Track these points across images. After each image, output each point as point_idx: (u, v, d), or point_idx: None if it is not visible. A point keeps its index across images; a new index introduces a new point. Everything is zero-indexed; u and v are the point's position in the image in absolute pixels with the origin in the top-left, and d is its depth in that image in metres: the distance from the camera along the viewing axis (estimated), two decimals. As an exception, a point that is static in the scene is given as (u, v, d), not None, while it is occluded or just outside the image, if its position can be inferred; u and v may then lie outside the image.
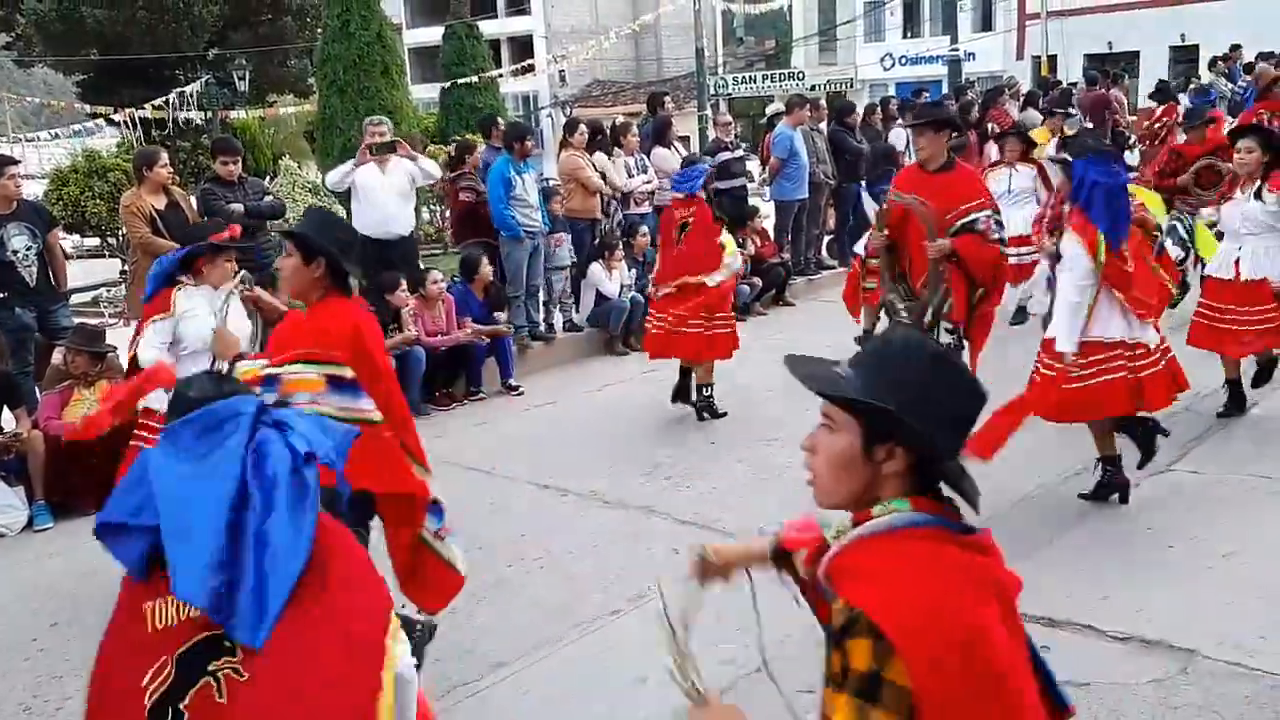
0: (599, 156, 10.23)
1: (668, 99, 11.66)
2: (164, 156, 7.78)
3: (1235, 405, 6.68)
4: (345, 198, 9.45)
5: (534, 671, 4.39)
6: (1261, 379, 6.74)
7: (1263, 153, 6.30)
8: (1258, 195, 6.34)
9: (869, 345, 1.98)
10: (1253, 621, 4.23)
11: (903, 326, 5.82)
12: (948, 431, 1.84)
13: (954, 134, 6.14)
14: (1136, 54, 32.29)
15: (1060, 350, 5.20)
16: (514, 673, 4.40)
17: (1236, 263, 6.45)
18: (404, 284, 8.17)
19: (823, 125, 12.24)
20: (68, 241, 13.37)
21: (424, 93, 29.49)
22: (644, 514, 5.90)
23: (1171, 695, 3.84)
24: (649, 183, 10.47)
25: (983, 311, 6.17)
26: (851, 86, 39.34)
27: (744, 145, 18.83)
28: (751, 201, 11.70)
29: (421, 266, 8.99)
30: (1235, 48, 19.52)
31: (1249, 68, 18.63)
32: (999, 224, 5.97)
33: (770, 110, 14.40)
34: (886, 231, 6.06)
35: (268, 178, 18.21)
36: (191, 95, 23.79)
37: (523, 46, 44.26)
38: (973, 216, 5.83)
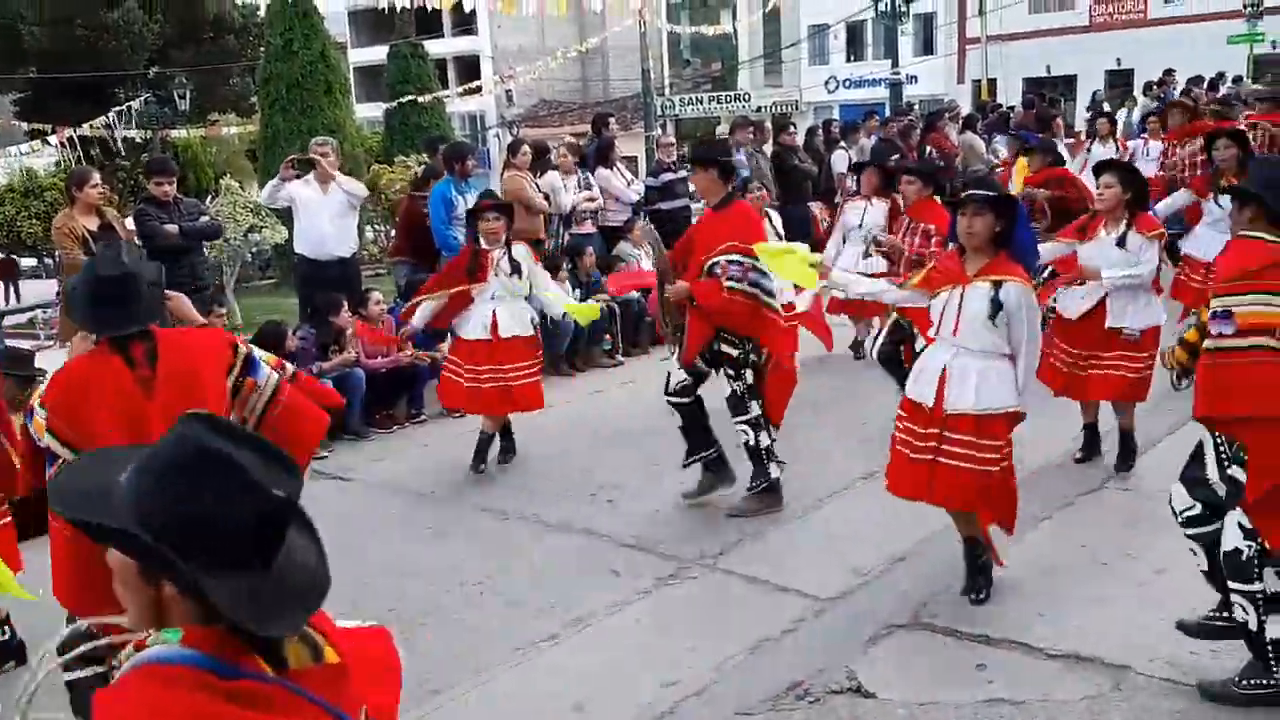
0: (551, 176, 10.22)
1: (612, 120, 11.69)
2: (96, 177, 7.65)
3: (1124, 457, 6.22)
4: (289, 217, 9.37)
5: (471, 699, 4.34)
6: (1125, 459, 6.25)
7: (1123, 189, 5.77)
8: (1121, 241, 5.78)
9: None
10: (1184, 638, 4.29)
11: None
12: (214, 551, 1.49)
13: (727, 174, 5.84)
14: (1074, 78, 32.98)
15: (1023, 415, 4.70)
16: (451, 699, 4.34)
17: (1102, 303, 5.91)
18: (346, 305, 8.09)
19: (766, 147, 12.34)
20: None
21: (369, 112, 29.34)
22: (585, 537, 5.87)
23: (1104, 712, 3.88)
24: (592, 200, 10.47)
25: (773, 368, 5.91)
26: (797, 109, 39.73)
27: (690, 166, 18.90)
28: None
29: (363, 287, 8.91)
30: (1169, 73, 19.99)
31: (1185, 93, 19.10)
32: (740, 267, 5.55)
33: (717, 133, 14.50)
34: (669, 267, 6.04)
35: (209, 197, 18.01)
36: (131, 114, 23.48)
37: (469, 66, 44.24)
38: (715, 260, 5.61)
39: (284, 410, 3.63)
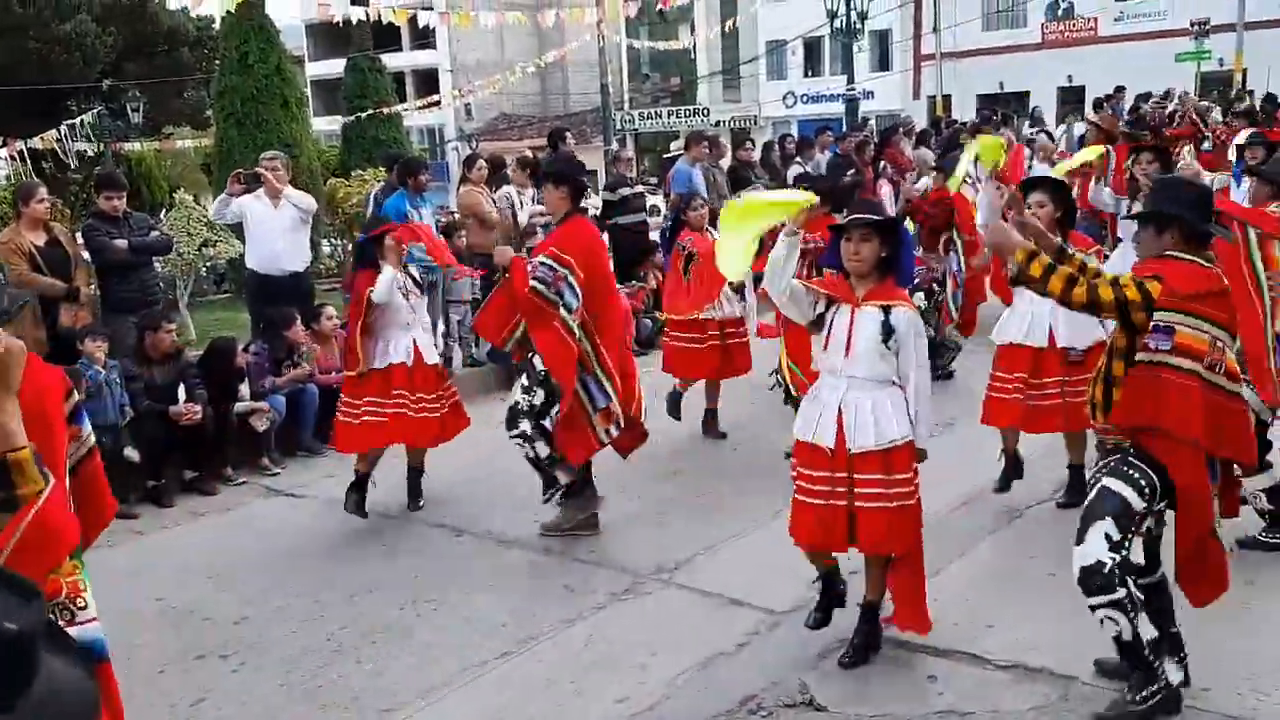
0: (506, 190, 10.20)
1: (569, 134, 11.69)
2: (42, 191, 7.54)
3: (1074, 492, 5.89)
4: (241, 233, 9.29)
5: (424, 717, 4.31)
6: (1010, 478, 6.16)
7: (1055, 208, 5.49)
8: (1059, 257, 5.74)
9: None
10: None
11: None
12: None
13: (578, 193, 5.85)
14: (1026, 94, 33.44)
15: (922, 447, 4.47)
16: (406, 717, 4.31)
17: (1051, 330, 5.73)
18: (299, 320, 8.02)
19: (723, 161, 12.40)
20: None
21: (326, 125, 29.17)
22: (540, 554, 5.85)
23: (1052, 722, 3.91)
24: (544, 214, 10.43)
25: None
26: (755, 123, 39.99)
27: (652, 180, 18.99)
28: (654, 236, 11.78)
29: (316, 303, 8.84)
30: (1119, 89, 20.33)
31: (1133, 109, 19.44)
32: (551, 272, 5.52)
33: (673, 148, 14.57)
34: None
35: (163, 211, 17.78)
36: (84, 127, 23.19)
37: (427, 80, 44.15)
38: (531, 261, 5.76)
39: (96, 468, 3.52)
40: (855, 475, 4.25)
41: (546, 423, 5.74)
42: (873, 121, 25.83)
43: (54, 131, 22.19)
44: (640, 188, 12.29)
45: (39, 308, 7.29)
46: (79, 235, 8.21)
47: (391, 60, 29.78)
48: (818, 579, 4.60)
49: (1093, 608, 3.70)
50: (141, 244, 7.88)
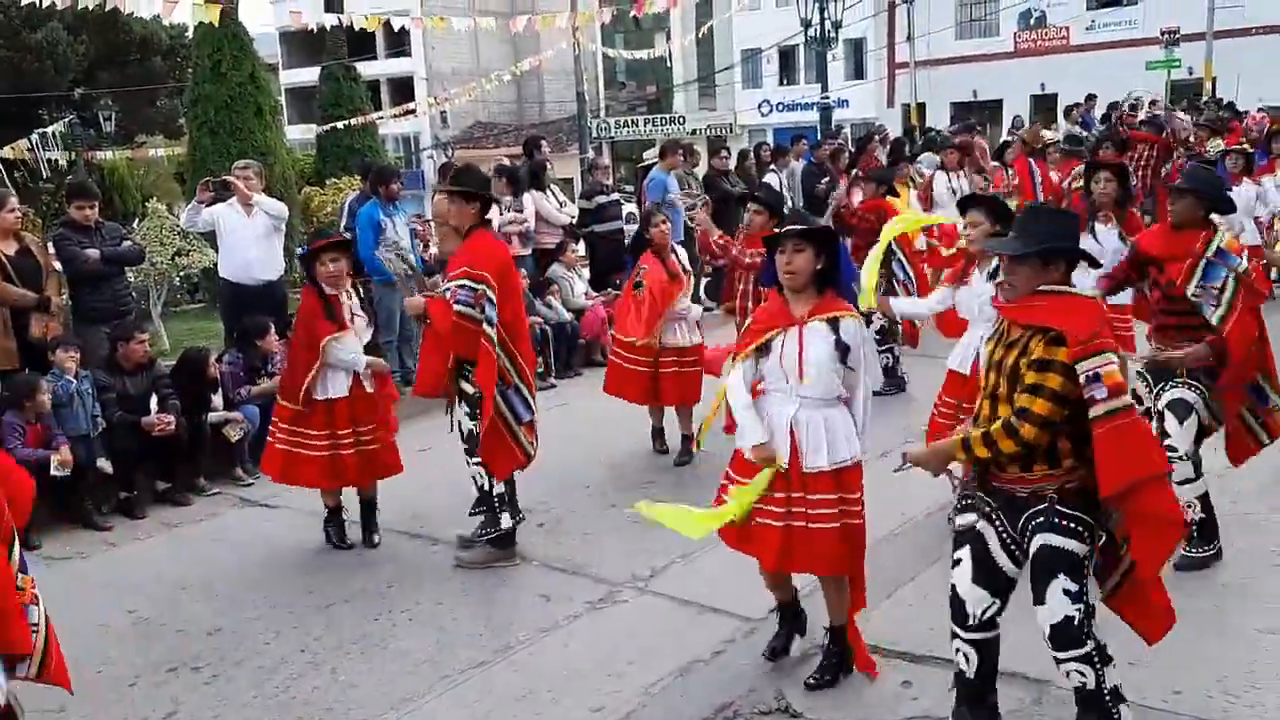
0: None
1: (544, 142, 11.70)
2: (13, 200, 7.46)
3: None
4: (214, 242, 9.24)
5: (398, 727, 4.29)
6: None
7: (992, 224, 5.35)
8: (993, 274, 5.20)
9: None
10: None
11: None
12: None
13: (486, 206, 5.71)
14: (1000, 102, 33.70)
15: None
16: (379, 729, 4.29)
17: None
18: (273, 329, 7.98)
19: (698, 170, 12.44)
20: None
21: (300, 134, 29.07)
22: (516, 562, 5.83)
23: (1026, 726, 3.93)
24: (524, 223, 10.45)
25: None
26: (731, 131, 40.15)
27: (627, 189, 19.01)
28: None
29: (290, 311, 8.80)
30: (1090, 97, 20.51)
31: (1105, 117, 19.60)
32: (470, 292, 5.44)
33: (647, 156, 14.59)
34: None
35: (136, 220, 17.67)
36: (56, 136, 23.01)
37: (402, 88, 44.04)
38: (448, 286, 5.61)
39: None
40: (808, 495, 4.14)
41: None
42: (847, 129, 25.98)
43: (25, 141, 22.02)
44: (616, 195, 12.30)
45: (9, 318, 7.22)
46: (50, 245, 8.13)
47: (366, 68, 29.69)
48: (775, 608, 4.58)
49: (1060, 661, 3.57)
50: (113, 254, 7.81)
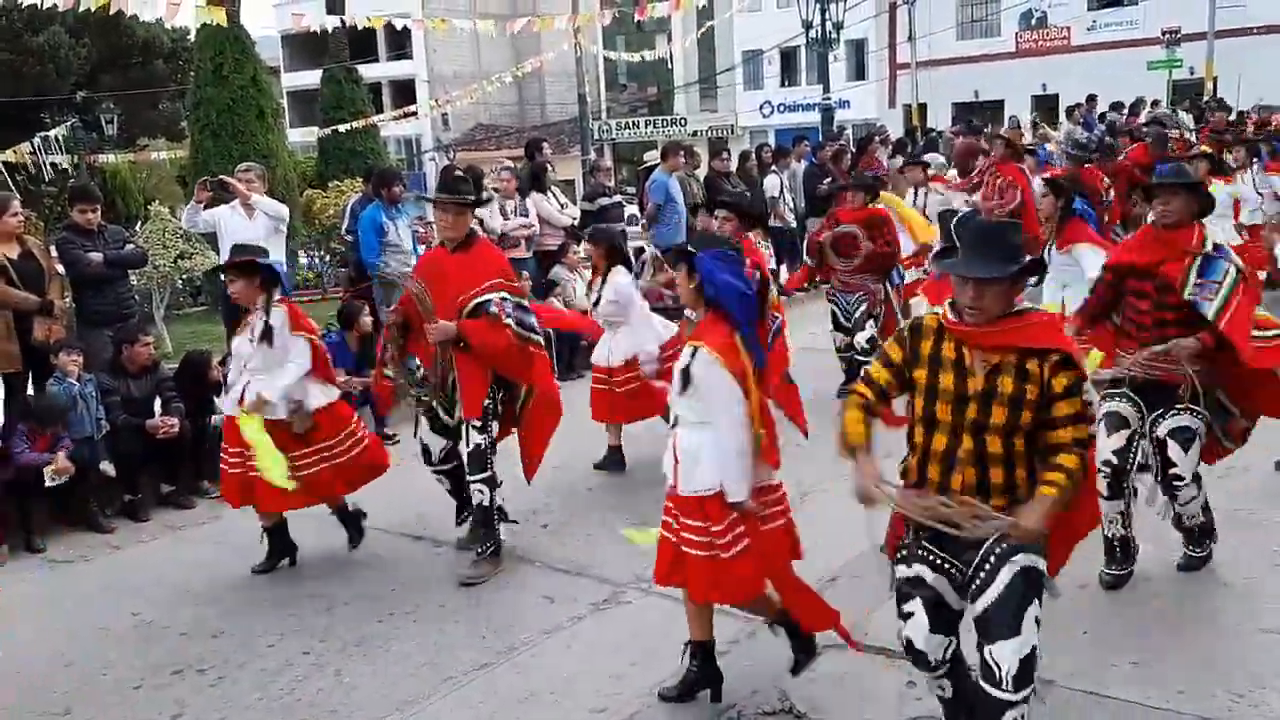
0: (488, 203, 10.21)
1: (545, 144, 11.71)
2: (15, 204, 7.46)
3: None
4: (216, 244, 9.25)
5: (403, 729, 4.30)
6: None
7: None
8: None
9: None
10: (1106, 651, 4.39)
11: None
12: None
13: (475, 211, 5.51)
14: (1001, 103, 33.70)
15: (734, 501, 3.98)
16: (385, 729, 4.31)
17: None
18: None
19: (699, 171, 12.45)
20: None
21: (303, 136, 29.10)
22: (519, 563, 5.84)
23: (1029, 727, 3.93)
24: (529, 227, 10.47)
25: (537, 403, 5.77)
26: (733, 133, 40.17)
27: (629, 191, 19.02)
28: (636, 244, 11.80)
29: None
30: (1091, 98, 20.52)
31: (1102, 116, 19.62)
32: (520, 307, 5.50)
33: (648, 158, 14.58)
34: (398, 311, 5.68)
35: (139, 223, 17.68)
36: (58, 139, 23.05)
37: (404, 90, 44.06)
38: (484, 299, 5.37)
39: None
40: (682, 518, 4.05)
41: (493, 463, 5.60)
42: (849, 130, 25.99)
43: (27, 144, 22.05)
44: (619, 197, 12.30)
45: (12, 321, 7.23)
46: (53, 248, 8.14)
47: (368, 71, 29.73)
48: (770, 622, 4.37)
49: (1016, 703, 3.32)
50: (116, 257, 7.82)
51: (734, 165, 13.43)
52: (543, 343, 5.57)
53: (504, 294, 5.39)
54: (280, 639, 5.09)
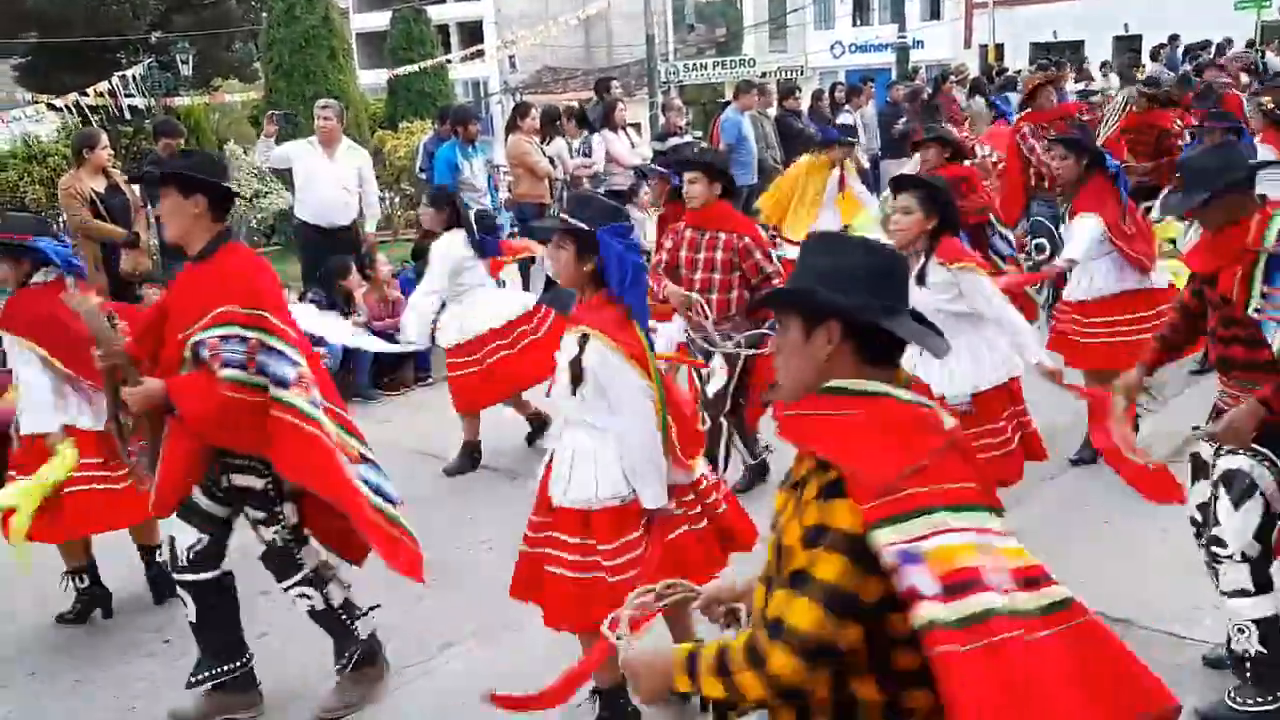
0: (558, 144, 10.21)
1: (615, 83, 11.66)
2: (104, 139, 7.66)
3: None
4: (289, 182, 9.38)
5: (485, 652, 4.42)
6: None
7: (925, 215, 4.48)
8: (919, 279, 4.46)
9: None
10: (1185, 594, 4.33)
11: None
12: None
13: (213, 200, 3.76)
14: (1081, 43, 32.75)
15: (652, 508, 3.45)
16: (466, 650, 4.43)
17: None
18: (355, 269, 8.13)
19: (770, 111, 12.31)
20: None
21: (372, 78, 29.23)
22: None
23: (1107, 665, 3.92)
24: (591, 165, 10.44)
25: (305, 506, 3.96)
26: (802, 74, 39.49)
27: (697, 134, 18.87)
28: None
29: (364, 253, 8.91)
30: (1174, 38, 19.86)
31: (1194, 56, 18.93)
32: (242, 344, 3.56)
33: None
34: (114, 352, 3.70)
35: (213, 164, 17.92)
36: (134, 79, 23.35)
37: (472, 32, 44.00)
38: (199, 337, 3.57)
39: None
40: (556, 534, 3.52)
41: (309, 555, 4.03)
42: (923, 70, 25.47)
43: (105, 84, 22.38)
44: (689, 138, 12.21)
45: (100, 253, 7.42)
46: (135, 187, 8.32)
47: (435, 12, 29.67)
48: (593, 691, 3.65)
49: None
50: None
51: (806, 104, 13.26)
52: (298, 405, 3.61)
53: (220, 327, 3.56)
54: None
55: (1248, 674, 3.45)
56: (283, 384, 3.59)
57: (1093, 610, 4.14)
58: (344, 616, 4.05)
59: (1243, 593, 3.43)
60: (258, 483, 3.82)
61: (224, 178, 3.88)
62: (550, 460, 3.59)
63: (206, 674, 3.94)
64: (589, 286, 3.47)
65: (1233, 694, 3.50)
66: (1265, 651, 3.40)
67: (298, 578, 3.96)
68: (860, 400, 1.96)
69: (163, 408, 3.63)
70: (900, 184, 4.72)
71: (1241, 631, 3.44)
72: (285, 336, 3.63)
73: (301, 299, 8.01)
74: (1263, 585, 3.41)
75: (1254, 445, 3.35)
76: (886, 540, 1.83)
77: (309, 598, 4.00)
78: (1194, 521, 3.74)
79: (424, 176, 10.46)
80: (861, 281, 1.98)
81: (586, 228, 3.42)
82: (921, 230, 4.49)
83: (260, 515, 3.88)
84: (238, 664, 3.99)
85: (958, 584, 1.82)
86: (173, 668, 4.35)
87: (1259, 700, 3.43)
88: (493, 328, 6.17)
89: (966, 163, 7.49)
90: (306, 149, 8.49)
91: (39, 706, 4.33)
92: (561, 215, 3.52)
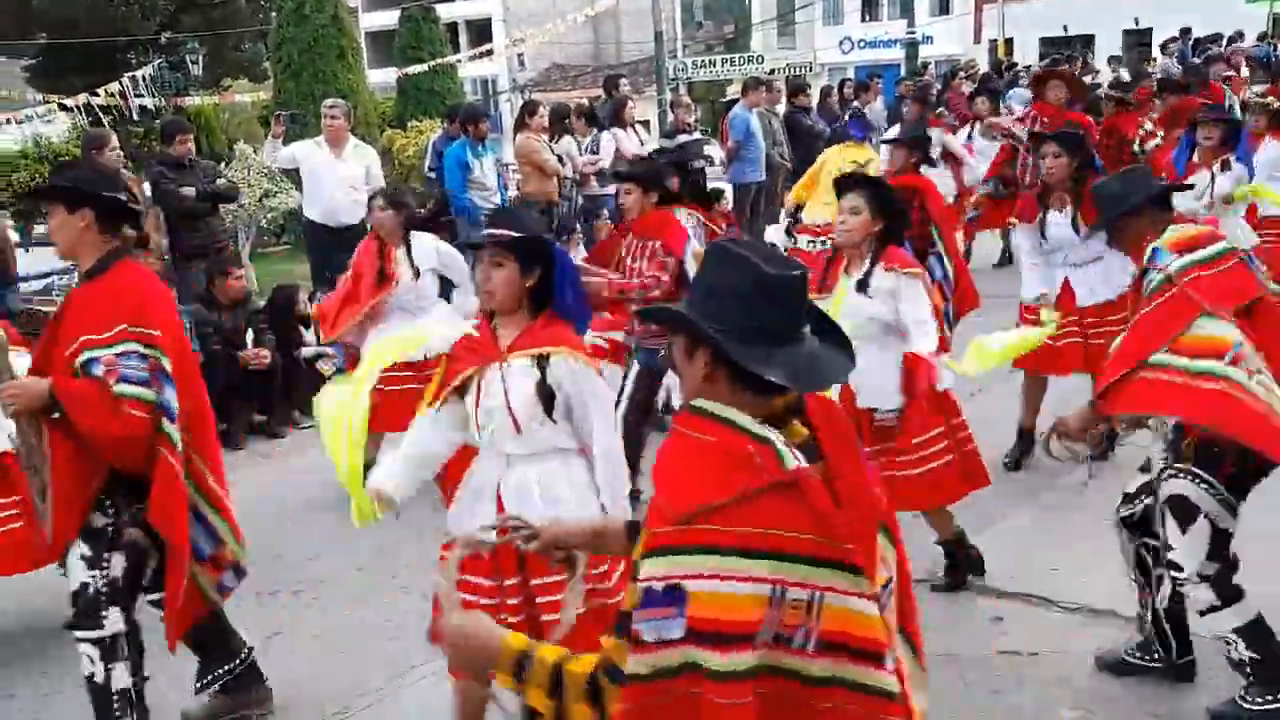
0: (566, 142, 10.21)
1: (624, 81, 11.65)
2: (114, 139, 7.70)
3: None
4: (299, 182, 9.39)
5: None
6: None
7: (873, 217, 4.23)
8: (861, 285, 4.23)
9: None
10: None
11: None
12: None
13: (103, 216, 3.50)
14: (1091, 37, 32.65)
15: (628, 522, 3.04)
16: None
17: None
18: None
19: (779, 107, 12.30)
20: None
21: (380, 77, 29.26)
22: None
23: (1118, 663, 3.91)
24: (599, 162, 10.43)
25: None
26: (811, 70, 39.44)
27: (706, 130, 18.80)
28: (713, 185, 11.70)
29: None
30: (1185, 31, 19.77)
31: (1203, 49, 18.85)
32: (143, 361, 3.39)
33: (732, 93, 14.45)
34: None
35: (223, 164, 17.99)
36: (144, 79, 23.42)
37: (480, 30, 44.02)
38: (92, 355, 3.37)
39: None
40: (531, 581, 3.14)
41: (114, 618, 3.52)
42: (932, 66, 25.40)
43: (115, 84, 22.45)
44: (698, 135, 12.20)
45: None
46: (146, 185, 8.35)
47: (444, 10, 29.69)
48: None
49: None
50: (209, 191, 8.00)
51: (815, 101, 13.24)
52: (171, 434, 3.43)
53: (127, 345, 3.39)
54: (371, 562, 5.25)
55: (1250, 677, 3.51)
56: (171, 417, 3.42)
57: (1104, 607, 4.16)
58: (116, 705, 3.53)
59: (1213, 609, 3.47)
60: (99, 520, 3.50)
61: (112, 190, 3.56)
62: (492, 512, 3.07)
63: (210, 676, 3.93)
64: (527, 305, 3.18)
65: (1242, 693, 3.54)
66: (1259, 656, 3.46)
67: (91, 635, 3.50)
68: (711, 425, 1.83)
69: (41, 418, 3.40)
70: (846, 183, 4.40)
71: (1229, 644, 3.49)
72: (175, 365, 3.44)
73: (311, 299, 8.02)
74: (1230, 597, 3.45)
75: (1193, 469, 3.40)
76: (648, 572, 1.73)
77: (91, 662, 3.51)
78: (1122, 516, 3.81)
79: (433, 175, 10.48)
80: (737, 303, 1.81)
81: (537, 235, 3.20)
82: (868, 232, 4.23)
83: (87, 553, 3.49)
84: (237, 663, 3.97)
85: (718, 635, 1.69)
86: (179, 669, 4.36)
87: (1268, 698, 3.48)
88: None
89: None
90: (313, 149, 8.50)
91: (48, 705, 4.34)
92: (492, 232, 3.18)
